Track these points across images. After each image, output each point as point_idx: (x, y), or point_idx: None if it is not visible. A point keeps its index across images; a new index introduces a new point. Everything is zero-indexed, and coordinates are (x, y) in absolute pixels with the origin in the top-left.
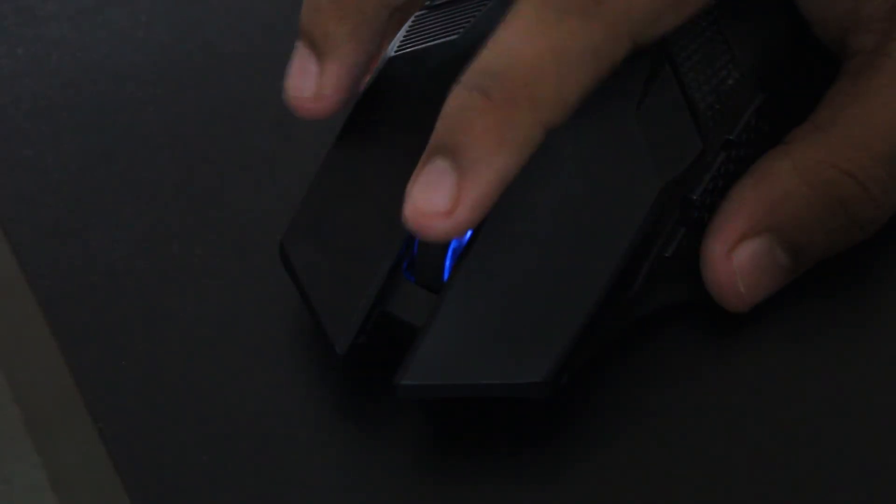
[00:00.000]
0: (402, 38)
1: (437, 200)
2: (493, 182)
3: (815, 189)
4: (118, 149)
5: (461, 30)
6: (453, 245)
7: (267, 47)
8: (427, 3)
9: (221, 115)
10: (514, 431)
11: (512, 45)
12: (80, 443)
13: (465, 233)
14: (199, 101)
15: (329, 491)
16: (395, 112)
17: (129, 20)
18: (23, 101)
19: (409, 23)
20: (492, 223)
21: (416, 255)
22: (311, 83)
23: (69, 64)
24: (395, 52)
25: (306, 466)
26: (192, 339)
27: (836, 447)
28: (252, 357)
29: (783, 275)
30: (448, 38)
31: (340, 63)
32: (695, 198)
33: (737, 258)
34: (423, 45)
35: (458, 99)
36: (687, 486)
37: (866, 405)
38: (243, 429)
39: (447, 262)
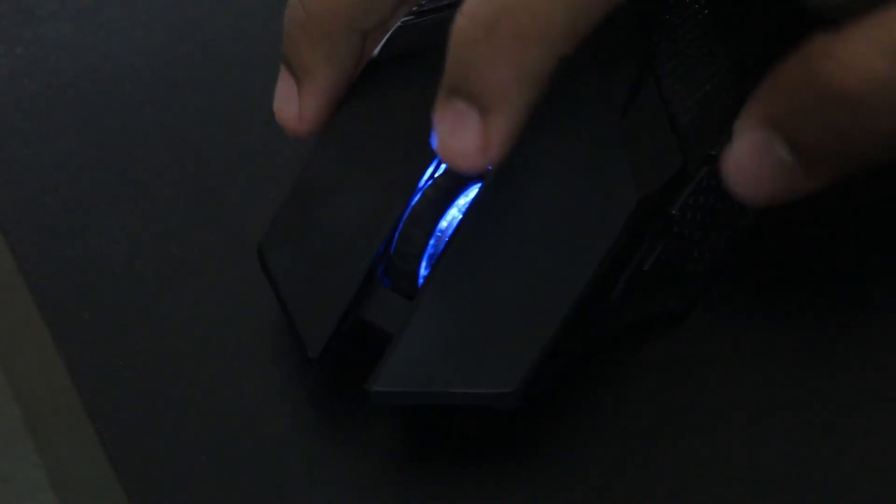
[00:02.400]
0: (384, 45)
1: (467, 142)
2: (517, 116)
3: (815, 79)
4: (118, 149)
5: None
6: (429, 252)
7: (266, 47)
8: (414, 8)
9: (220, 115)
10: (490, 437)
11: None
12: (80, 443)
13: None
14: (198, 101)
15: (323, 492)
16: (373, 118)
17: (129, 20)
18: (23, 101)
19: (392, 30)
20: (468, 230)
21: (392, 260)
22: (293, 106)
23: (69, 64)
24: (375, 58)
25: (304, 468)
26: (190, 339)
27: (834, 449)
28: (251, 357)
29: (789, 172)
30: (434, 47)
31: (317, 87)
32: (674, 212)
33: (737, 145)
34: (407, 53)
35: (465, 33)
36: (667, 497)
37: (865, 406)
38: (242, 429)
39: (422, 270)
